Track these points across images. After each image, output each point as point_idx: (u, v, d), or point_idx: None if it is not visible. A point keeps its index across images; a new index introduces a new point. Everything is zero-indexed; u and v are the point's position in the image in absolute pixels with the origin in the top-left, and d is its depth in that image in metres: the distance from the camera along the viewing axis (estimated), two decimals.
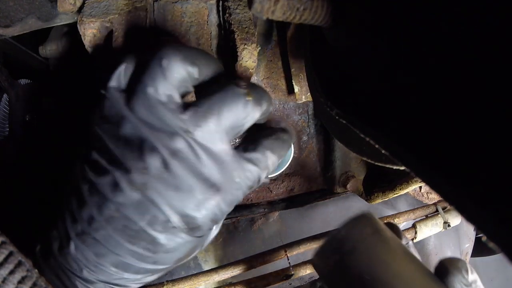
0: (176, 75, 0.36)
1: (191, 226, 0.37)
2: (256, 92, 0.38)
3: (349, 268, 0.42)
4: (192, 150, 0.35)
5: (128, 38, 0.46)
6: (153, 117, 0.35)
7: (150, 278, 0.43)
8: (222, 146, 0.36)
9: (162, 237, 0.37)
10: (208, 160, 0.36)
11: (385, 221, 0.65)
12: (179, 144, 0.35)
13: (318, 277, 0.87)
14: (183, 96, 0.38)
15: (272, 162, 0.40)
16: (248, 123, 0.39)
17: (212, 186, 0.36)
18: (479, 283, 0.46)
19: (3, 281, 0.32)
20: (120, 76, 0.38)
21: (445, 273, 0.45)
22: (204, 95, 0.37)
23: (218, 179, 0.36)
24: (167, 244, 0.38)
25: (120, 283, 0.42)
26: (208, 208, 0.37)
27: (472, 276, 0.45)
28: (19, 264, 0.34)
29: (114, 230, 0.37)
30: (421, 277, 0.43)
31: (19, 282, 0.33)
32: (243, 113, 0.37)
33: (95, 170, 0.38)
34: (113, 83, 0.38)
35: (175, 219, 0.36)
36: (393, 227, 0.53)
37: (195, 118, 0.35)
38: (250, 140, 0.40)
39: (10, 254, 0.34)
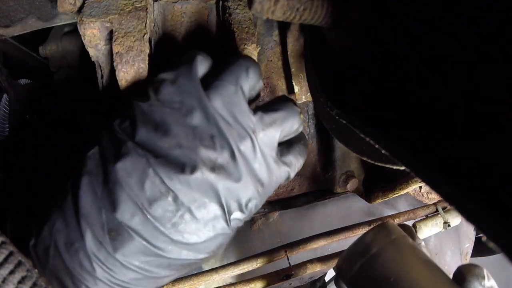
0: (253, 83, 0.42)
1: (235, 217, 0.41)
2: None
3: (375, 270, 0.45)
4: (253, 149, 0.40)
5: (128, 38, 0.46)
6: (226, 112, 0.39)
7: (163, 281, 0.43)
8: (272, 150, 0.42)
9: (205, 225, 0.39)
10: (261, 159, 0.41)
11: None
12: (247, 142, 0.39)
13: (318, 277, 0.87)
14: None
15: (301, 164, 0.46)
16: (294, 135, 0.45)
17: (259, 182, 0.41)
18: None
19: (3, 281, 0.32)
20: (196, 67, 0.41)
21: (463, 279, 0.47)
22: (269, 105, 0.44)
23: (264, 177, 0.41)
24: (207, 233, 0.40)
25: (130, 285, 0.41)
26: (253, 201, 0.41)
27: (489, 282, 0.47)
28: (19, 264, 0.34)
29: (160, 216, 0.37)
30: (441, 281, 0.45)
31: (19, 282, 0.33)
32: (296, 127, 0.44)
33: (146, 149, 0.38)
34: (184, 71, 0.40)
35: (230, 207, 0.40)
36: (406, 228, 0.54)
37: (261, 122, 0.41)
38: (285, 144, 0.46)
39: (10, 254, 0.34)
